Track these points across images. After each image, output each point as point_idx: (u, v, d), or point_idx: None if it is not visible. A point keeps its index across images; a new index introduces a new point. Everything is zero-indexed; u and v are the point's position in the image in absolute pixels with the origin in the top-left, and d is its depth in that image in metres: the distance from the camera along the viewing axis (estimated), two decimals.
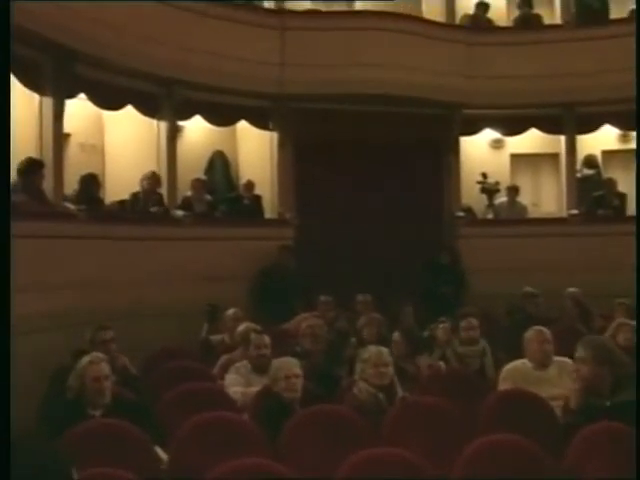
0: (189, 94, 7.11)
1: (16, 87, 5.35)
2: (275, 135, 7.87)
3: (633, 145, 8.40)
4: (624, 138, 8.79)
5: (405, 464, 3.07)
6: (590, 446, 3.18)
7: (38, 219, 5.32)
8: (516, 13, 8.84)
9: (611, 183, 8.27)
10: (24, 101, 5.69)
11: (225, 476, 2.92)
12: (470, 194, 8.55)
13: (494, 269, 7.54)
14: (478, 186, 8.58)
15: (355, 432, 3.61)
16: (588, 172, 8.67)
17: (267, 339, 4.65)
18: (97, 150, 7.04)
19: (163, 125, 7.08)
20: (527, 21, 8.63)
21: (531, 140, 8.73)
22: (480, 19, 8.64)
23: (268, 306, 6.81)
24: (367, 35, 7.62)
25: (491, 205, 8.59)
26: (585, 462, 3.14)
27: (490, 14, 8.78)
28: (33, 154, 5.68)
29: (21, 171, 5.43)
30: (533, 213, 8.67)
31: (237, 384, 4.49)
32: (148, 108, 6.89)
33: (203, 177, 7.61)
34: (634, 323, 5.10)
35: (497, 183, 8.61)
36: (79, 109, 6.38)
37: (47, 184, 5.68)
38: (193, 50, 6.85)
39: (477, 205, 8.67)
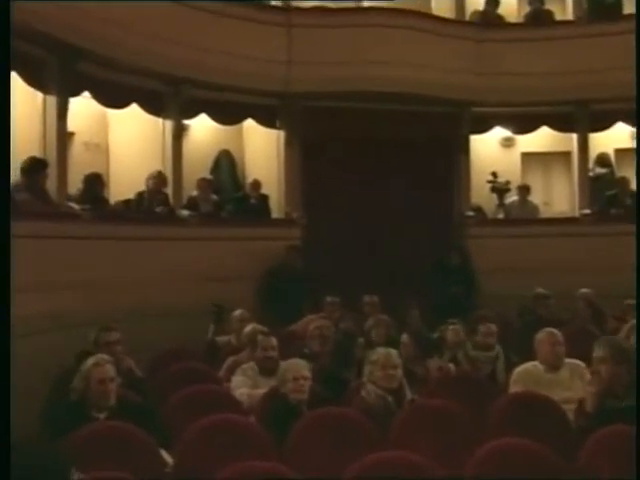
0: (195, 92, 7.09)
1: (19, 85, 5.34)
2: (282, 134, 7.83)
3: None
4: None
5: (414, 468, 3.03)
6: (603, 449, 3.14)
7: (42, 219, 5.31)
8: (527, 9, 8.78)
9: (624, 182, 8.19)
10: (27, 99, 5.67)
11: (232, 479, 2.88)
12: (480, 193, 8.49)
13: (504, 270, 7.49)
14: (488, 185, 8.52)
15: (363, 435, 3.58)
16: (601, 171, 8.61)
17: (274, 341, 4.63)
18: (101, 149, 7.03)
19: (168, 124, 7.06)
20: (538, 17, 8.56)
21: (542, 138, 8.67)
22: (490, 15, 8.57)
23: (275, 307, 6.77)
24: (375, 32, 7.56)
25: (501, 205, 8.53)
26: (598, 466, 3.10)
27: (500, 10, 8.72)
28: (36, 153, 5.65)
29: (24, 170, 5.40)
30: (544, 213, 8.61)
31: (244, 386, 4.47)
32: (153, 106, 6.87)
33: (209, 177, 7.57)
34: None
35: (508, 182, 8.55)
36: (83, 107, 6.37)
37: (51, 183, 5.66)
38: (199, 48, 6.82)
39: (487, 205, 8.62)
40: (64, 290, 5.30)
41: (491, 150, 8.81)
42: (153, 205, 6.68)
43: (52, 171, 5.64)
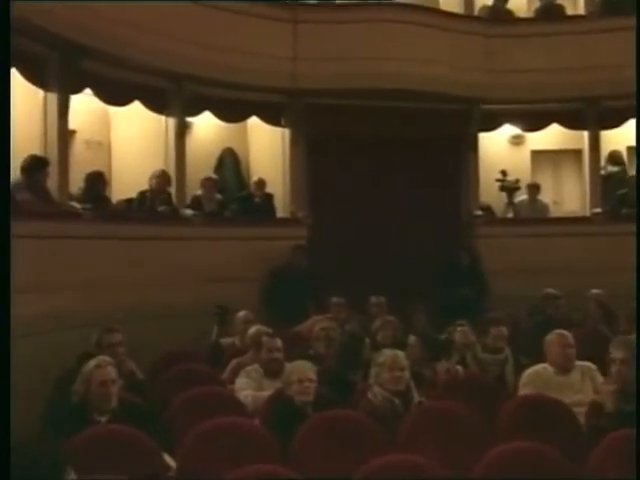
0: (198, 89, 7.04)
1: (20, 82, 5.31)
2: (287, 131, 7.77)
3: None
4: None
5: (421, 471, 3.00)
6: (611, 453, 3.12)
7: (43, 218, 5.27)
8: (537, 4, 8.69)
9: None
10: (28, 97, 5.63)
11: None
12: (489, 192, 8.41)
13: (514, 270, 7.43)
14: (497, 184, 8.45)
15: (370, 438, 3.56)
16: (612, 169, 8.50)
17: (279, 342, 4.61)
18: (103, 147, 6.99)
19: (171, 121, 7.00)
20: (549, 12, 8.46)
21: (553, 136, 8.58)
22: (499, 10, 8.49)
23: (280, 308, 6.69)
24: (382, 27, 7.48)
25: (511, 204, 8.46)
26: (607, 469, 3.08)
27: (510, 5, 8.63)
28: (37, 151, 5.61)
29: (25, 169, 5.37)
30: (555, 212, 8.53)
31: (248, 388, 4.44)
32: (156, 104, 6.81)
33: (214, 176, 7.52)
34: None
35: (517, 181, 8.47)
36: (85, 105, 6.33)
37: (52, 182, 5.62)
38: (203, 44, 6.75)
39: (496, 204, 8.54)
40: (65, 290, 5.27)
41: (500, 148, 8.73)
42: (156, 204, 6.63)
43: (53, 170, 5.60)
